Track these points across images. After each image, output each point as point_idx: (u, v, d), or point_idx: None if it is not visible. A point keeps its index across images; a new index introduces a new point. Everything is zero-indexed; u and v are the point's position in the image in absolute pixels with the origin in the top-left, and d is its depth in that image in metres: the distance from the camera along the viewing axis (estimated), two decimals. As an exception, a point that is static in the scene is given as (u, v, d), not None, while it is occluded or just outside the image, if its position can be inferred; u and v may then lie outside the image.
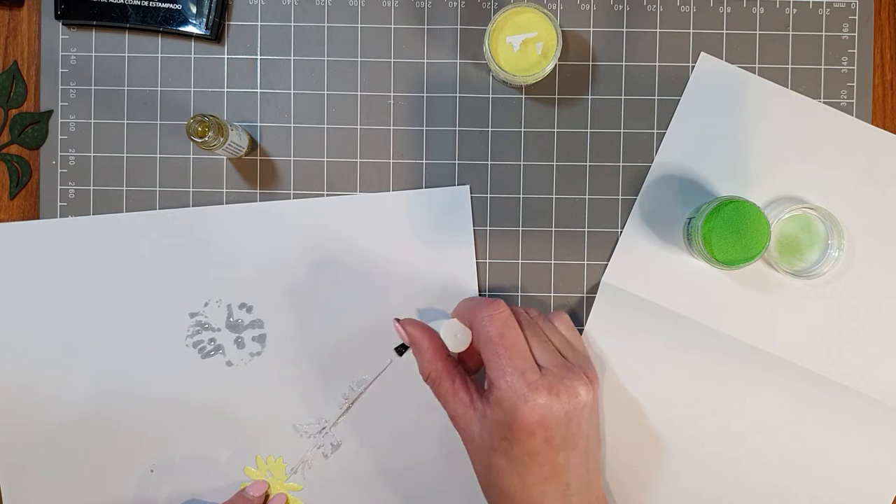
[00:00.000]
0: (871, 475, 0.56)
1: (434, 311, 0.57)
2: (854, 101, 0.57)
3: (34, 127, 0.58)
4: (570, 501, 0.47)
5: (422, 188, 0.57)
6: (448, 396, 0.49)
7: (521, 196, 0.58)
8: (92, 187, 0.58)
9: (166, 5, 0.56)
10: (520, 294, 0.58)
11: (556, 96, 0.57)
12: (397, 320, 0.52)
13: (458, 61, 0.58)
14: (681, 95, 0.57)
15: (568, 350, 0.50)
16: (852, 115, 0.57)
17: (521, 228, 0.58)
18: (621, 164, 0.57)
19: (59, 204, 0.58)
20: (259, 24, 0.58)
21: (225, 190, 0.58)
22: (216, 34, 0.57)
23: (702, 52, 0.57)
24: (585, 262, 0.58)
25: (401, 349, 0.53)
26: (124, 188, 0.58)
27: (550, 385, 0.46)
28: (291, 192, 0.58)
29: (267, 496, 0.57)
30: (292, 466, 0.58)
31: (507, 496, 0.47)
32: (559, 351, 0.50)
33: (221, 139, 0.51)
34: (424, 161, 0.58)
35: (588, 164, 0.58)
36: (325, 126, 0.58)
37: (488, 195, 0.58)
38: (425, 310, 0.57)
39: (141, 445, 0.57)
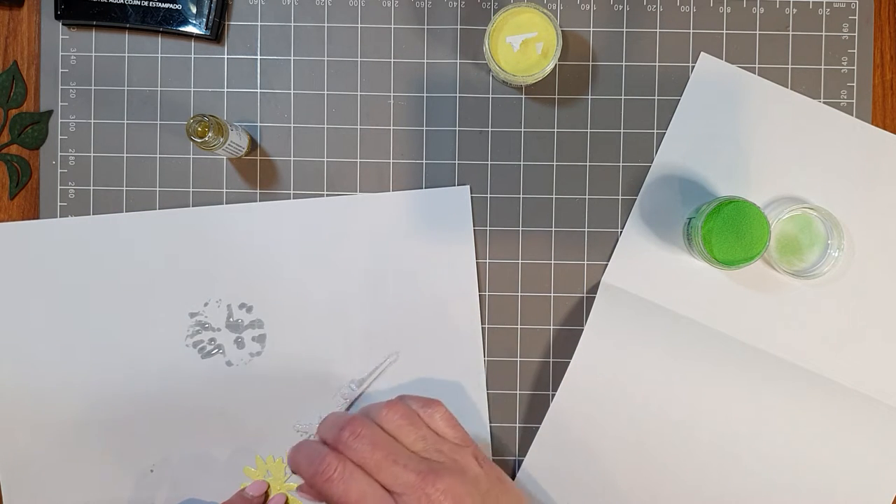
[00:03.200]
0: (871, 475, 0.56)
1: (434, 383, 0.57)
2: (854, 101, 0.57)
3: (34, 127, 0.58)
4: None
5: (422, 188, 0.57)
6: None
7: (521, 196, 0.58)
8: (92, 187, 0.58)
9: (166, 5, 0.56)
10: (520, 294, 0.58)
11: (556, 96, 0.58)
12: (299, 489, 0.50)
13: (458, 61, 0.58)
14: (681, 95, 0.57)
15: (437, 447, 0.48)
16: (852, 115, 0.57)
17: (521, 228, 0.58)
18: (621, 164, 0.57)
19: (59, 204, 0.58)
20: (259, 24, 0.58)
21: (225, 190, 0.58)
22: (216, 34, 0.57)
23: (702, 52, 0.57)
24: (585, 262, 0.58)
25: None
26: (124, 188, 0.58)
27: None
28: (291, 192, 0.58)
29: (267, 496, 0.57)
30: (292, 466, 0.58)
31: None
32: (422, 457, 0.47)
33: (221, 139, 0.51)
34: (424, 161, 0.58)
35: (588, 164, 0.58)
36: (325, 126, 0.58)
37: (488, 195, 0.58)
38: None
39: (141, 445, 0.57)
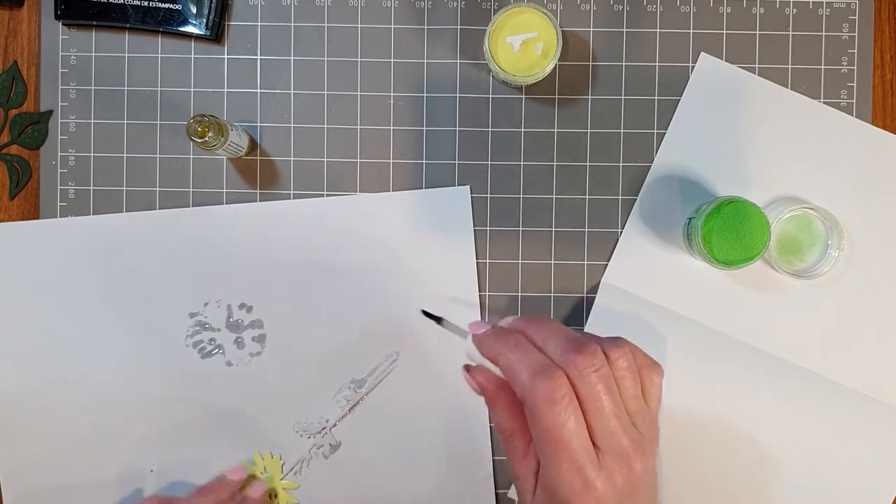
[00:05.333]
0: (871, 475, 0.56)
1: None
2: (854, 101, 0.57)
3: (34, 127, 0.58)
4: None
5: (422, 188, 0.57)
6: (517, 457, 0.44)
7: (521, 196, 0.58)
8: (92, 187, 0.58)
9: (166, 5, 0.56)
10: (520, 294, 0.57)
11: (556, 96, 0.57)
12: (467, 369, 0.45)
13: (458, 61, 0.58)
14: (681, 95, 0.57)
15: (642, 415, 0.43)
16: (852, 115, 0.57)
17: (521, 228, 0.58)
18: (621, 164, 0.57)
19: (59, 204, 0.58)
20: (259, 24, 0.58)
21: (225, 190, 0.58)
22: (216, 34, 0.57)
23: (702, 52, 0.57)
24: (585, 262, 0.58)
25: (428, 315, 0.48)
26: (124, 188, 0.58)
27: (609, 474, 0.41)
28: (291, 192, 0.58)
29: (247, 483, 0.57)
30: (291, 466, 0.58)
31: None
32: (630, 419, 0.43)
33: (221, 139, 0.51)
34: (424, 161, 0.58)
35: (588, 164, 0.58)
36: (325, 126, 0.58)
37: (488, 195, 0.58)
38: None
39: (141, 445, 0.57)
